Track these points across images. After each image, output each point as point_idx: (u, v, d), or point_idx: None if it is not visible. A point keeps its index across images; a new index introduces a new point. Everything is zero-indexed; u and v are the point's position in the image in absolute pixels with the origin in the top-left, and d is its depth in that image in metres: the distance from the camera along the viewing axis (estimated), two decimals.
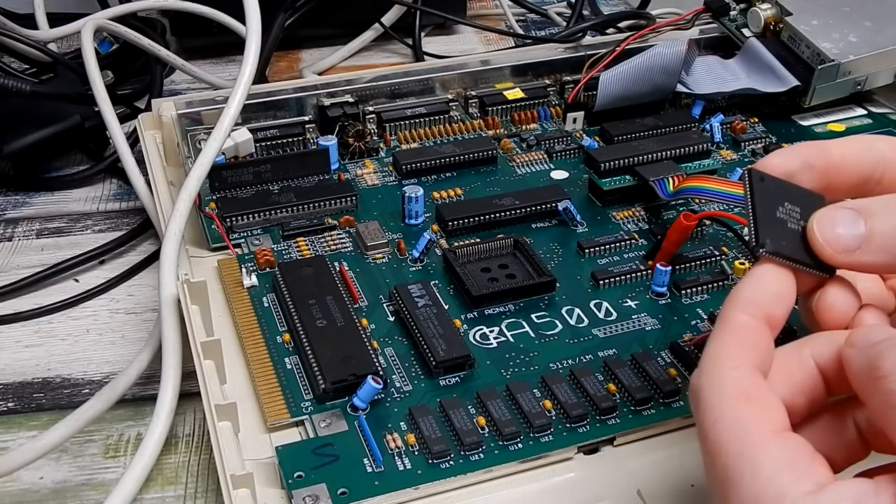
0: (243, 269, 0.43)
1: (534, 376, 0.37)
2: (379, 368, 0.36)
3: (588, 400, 0.36)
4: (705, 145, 0.51)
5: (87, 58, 0.54)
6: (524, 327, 0.40)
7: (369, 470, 0.33)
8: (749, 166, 0.29)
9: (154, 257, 0.50)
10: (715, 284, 0.42)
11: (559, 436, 0.35)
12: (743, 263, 0.43)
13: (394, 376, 0.37)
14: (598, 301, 0.42)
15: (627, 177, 0.49)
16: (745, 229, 0.29)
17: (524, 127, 0.56)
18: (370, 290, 0.42)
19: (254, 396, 0.37)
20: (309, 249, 0.45)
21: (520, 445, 0.34)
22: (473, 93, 0.56)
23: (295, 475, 0.33)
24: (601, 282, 0.43)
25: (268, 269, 0.43)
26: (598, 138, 0.54)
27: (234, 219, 0.46)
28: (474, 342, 0.39)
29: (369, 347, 0.37)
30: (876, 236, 0.26)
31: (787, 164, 0.29)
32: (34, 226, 0.54)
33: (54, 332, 0.46)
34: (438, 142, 0.54)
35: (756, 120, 0.56)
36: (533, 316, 0.41)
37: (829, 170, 0.29)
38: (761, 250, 0.28)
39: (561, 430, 0.35)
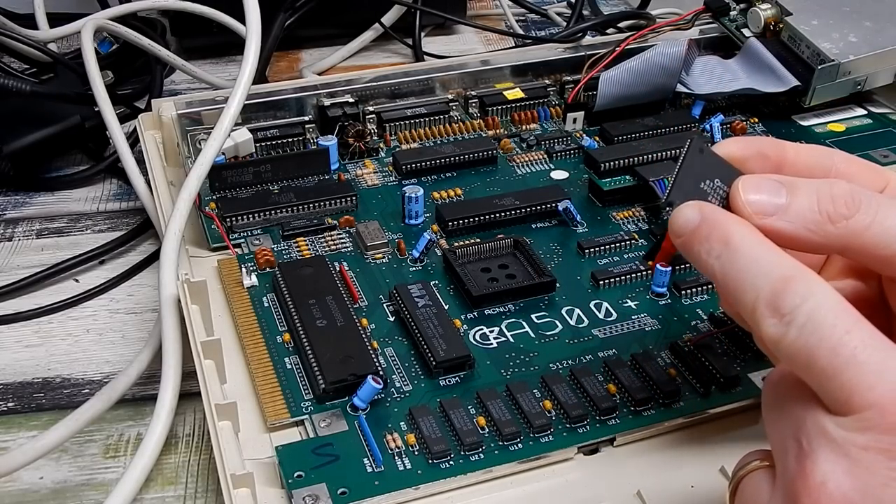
0: (243, 269, 0.43)
1: (534, 376, 0.37)
2: (379, 368, 0.36)
3: (588, 400, 0.36)
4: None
5: (87, 58, 0.54)
6: (524, 327, 0.40)
7: (369, 470, 0.33)
8: (696, 137, 0.30)
9: (154, 257, 0.50)
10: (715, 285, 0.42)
11: (559, 436, 0.35)
12: None
13: (394, 376, 0.37)
14: (598, 301, 0.42)
15: (627, 177, 0.49)
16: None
17: (524, 127, 0.56)
18: (370, 290, 0.42)
19: (254, 396, 0.37)
20: (309, 249, 0.45)
21: (520, 446, 0.34)
22: (473, 93, 0.56)
23: (295, 475, 0.33)
24: (601, 282, 0.42)
25: (268, 269, 0.43)
26: (598, 138, 0.54)
27: (234, 219, 0.46)
28: (474, 342, 0.39)
29: (369, 347, 0.37)
30: (792, 207, 0.28)
31: (743, 151, 0.31)
32: (34, 226, 0.54)
33: (54, 332, 0.46)
34: (438, 142, 0.54)
35: (756, 120, 0.56)
36: (533, 316, 0.41)
37: (781, 164, 0.31)
38: (668, 208, 0.29)
39: (561, 431, 0.35)
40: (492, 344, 0.39)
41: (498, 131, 0.55)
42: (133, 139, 0.56)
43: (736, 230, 0.27)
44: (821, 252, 0.29)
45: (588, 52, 0.57)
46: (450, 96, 0.56)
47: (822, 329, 0.24)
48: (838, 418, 0.24)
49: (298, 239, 0.46)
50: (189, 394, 0.39)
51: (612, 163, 0.49)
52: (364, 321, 0.40)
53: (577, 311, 0.41)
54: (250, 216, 0.46)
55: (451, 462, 0.33)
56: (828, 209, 0.27)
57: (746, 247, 0.27)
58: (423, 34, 0.75)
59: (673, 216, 0.29)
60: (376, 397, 0.36)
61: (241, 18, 0.47)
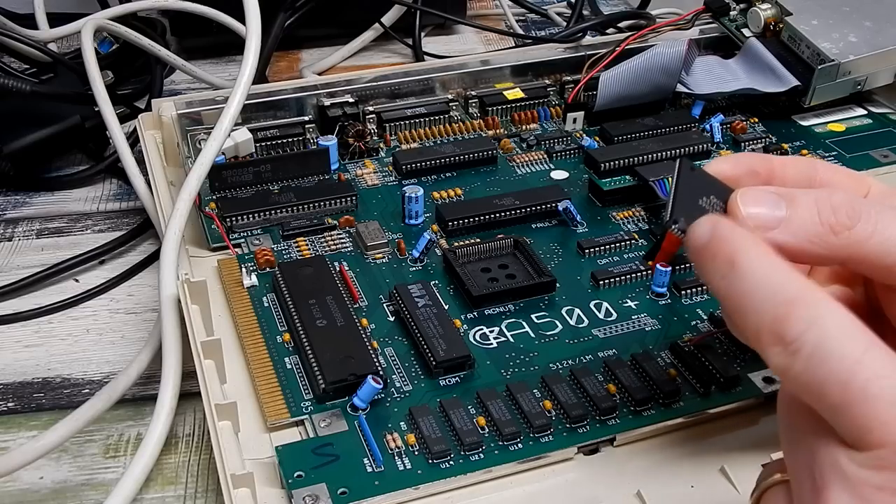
0: (243, 269, 0.43)
1: (534, 376, 0.37)
2: (379, 368, 0.36)
3: (588, 400, 0.36)
4: (705, 145, 0.51)
5: (87, 58, 0.54)
6: (524, 327, 0.40)
7: (369, 470, 0.33)
8: (684, 158, 0.30)
9: (154, 257, 0.50)
10: None
11: (559, 436, 0.35)
12: None
13: (394, 376, 0.37)
14: (598, 301, 0.42)
15: (627, 177, 0.49)
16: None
17: (524, 127, 0.56)
18: (370, 290, 0.42)
19: (254, 396, 0.37)
20: (309, 249, 0.45)
21: (520, 446, 0.34)
22: (473, 93, 0.56)
23: (295, 475, 0.33)
24: (601, 282, 0.43)
25: (268, 269, 0.43)
26: (598, 138, 0.54)
27: (234, 219, 0.46)
28: (474, 342, 0.39)
29: (369, 347, 0.37)
30: (794, 221, 0.27)
31: (734, 169, 0.30)
32: (34, 226, 0.54)
33: (54, 332, 0.46)
34: (438, 142, 0.54)
35: (756, 120, 0.56)
36: (533, 316, 0.41)
37: (770, 178, 0.30)
38: (674, 226, 0.29)
39: (561, 431, 0.35)
40: (492, 344, 0.39)
41: (498, 131, 0.55)
42: (133, 139, 0.56)
43: (743, 249, 0.26)
44: (821, 264, 0.29)
45: (588, 52, 0.57)
46: (450, 96, 0.56)
47: (830, 361, 0.23)
48: (853, 453, 0.23)
49: (298, 239, 0.46)
50: (189, 394, 0.39)
51: (612, 163, 0.49)
52: (364, 321, 0.40)
53: (577, 311, 0.41)
54: (250, 216, 0.46)
55: (451, 462, 0.33)
56: (829, 220, 0.27)
57: (752, 268, 0.25)
58: (423, 34, 0.75)
59: (689, 232, 0.28)
60: (376, 397, 0.36)
61: (241, 18, 0.47)
